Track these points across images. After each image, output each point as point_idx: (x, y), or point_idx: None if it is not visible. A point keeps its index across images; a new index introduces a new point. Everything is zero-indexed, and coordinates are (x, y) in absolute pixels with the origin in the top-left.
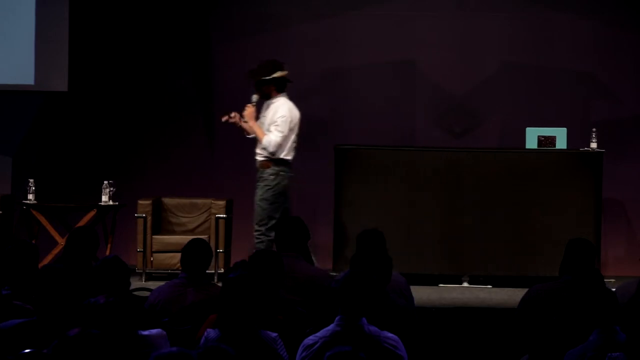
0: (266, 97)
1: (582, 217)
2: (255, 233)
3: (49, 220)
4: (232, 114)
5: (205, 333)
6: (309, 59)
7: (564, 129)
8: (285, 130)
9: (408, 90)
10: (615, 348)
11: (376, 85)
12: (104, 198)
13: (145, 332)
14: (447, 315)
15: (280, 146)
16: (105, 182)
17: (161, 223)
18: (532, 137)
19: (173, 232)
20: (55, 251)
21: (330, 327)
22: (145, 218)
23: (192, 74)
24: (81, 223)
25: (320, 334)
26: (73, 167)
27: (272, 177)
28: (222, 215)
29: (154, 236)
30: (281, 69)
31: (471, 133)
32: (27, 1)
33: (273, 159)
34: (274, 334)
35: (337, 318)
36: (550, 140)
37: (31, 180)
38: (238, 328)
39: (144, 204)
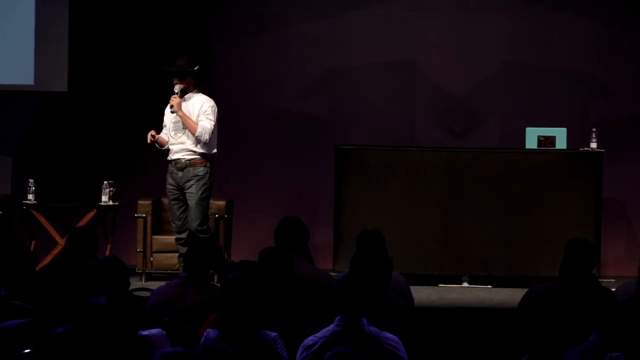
0: (184, 91)
1: (582, 217)
2: (199, 234)
3: (49, 220)
4: (152, 132)
5: (205, 333)
6: (309, 59)
7: (564, 129)
8: (215, 119)
9: (408, 90)
10: (615, 348)
11: (376, 85)
12: (104, 198)
13: (145, 332)
14: (447, 315)
15: (212, 133)
16: (105, 182)
17: (161, 223)
18: (532, 137)
19: (173, 232)
20: (55, 251)
21: (330, 327)
22: (145, 218)
23: None
24: (81, 223)
25: (320, 334)
26: (73, 167)
27: (207, 175)
28: (222, 216)
29: (154, 236)
30: (200, 64)
31: (471, 133)
32: (27, 1)
33: (208, 156)
34: (274, 334)
35: (337, 318)
36: (550, 140)
37: (31, 180)
38: (238, 328)
39: (144, 204)
